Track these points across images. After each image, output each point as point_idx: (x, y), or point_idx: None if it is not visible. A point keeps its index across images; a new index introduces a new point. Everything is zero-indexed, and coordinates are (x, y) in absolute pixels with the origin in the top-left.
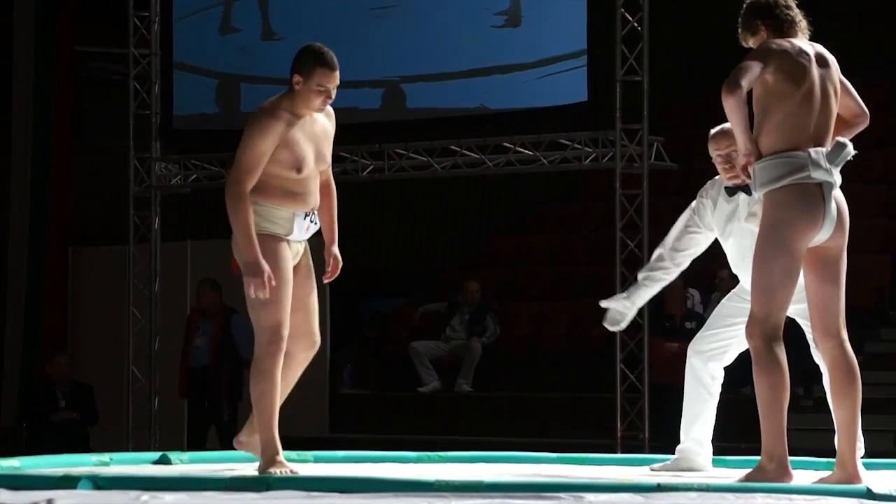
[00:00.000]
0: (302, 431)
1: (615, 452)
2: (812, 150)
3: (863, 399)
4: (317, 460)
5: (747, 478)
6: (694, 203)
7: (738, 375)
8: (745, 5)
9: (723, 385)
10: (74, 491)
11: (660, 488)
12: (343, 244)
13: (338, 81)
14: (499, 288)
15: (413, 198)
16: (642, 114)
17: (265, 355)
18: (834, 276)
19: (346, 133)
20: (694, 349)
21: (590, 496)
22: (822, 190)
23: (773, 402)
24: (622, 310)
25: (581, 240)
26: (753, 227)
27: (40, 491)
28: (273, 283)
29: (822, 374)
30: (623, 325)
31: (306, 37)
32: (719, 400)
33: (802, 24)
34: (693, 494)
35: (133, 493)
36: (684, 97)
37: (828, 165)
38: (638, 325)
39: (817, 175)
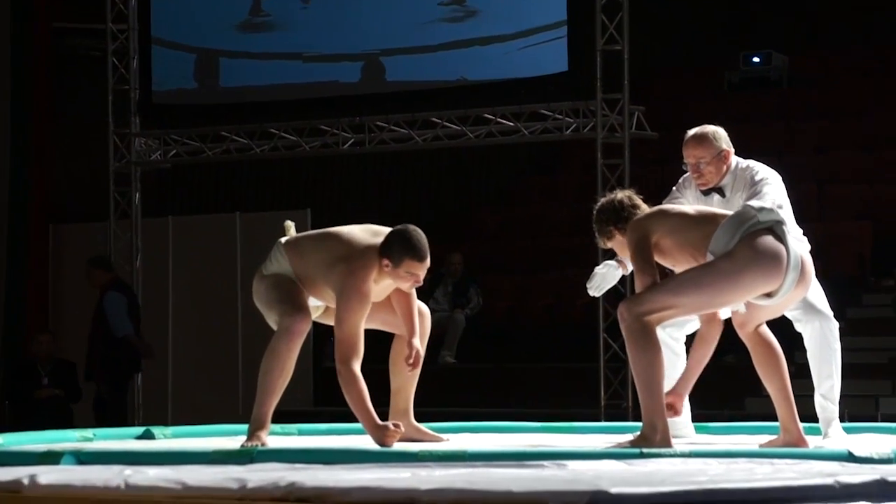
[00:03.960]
0: (286, 405)
1: (599, 421)
2: None
3: (843, 365)
4: (301, 433)
5: (633, 444)
6: (676, 186)
7: (718, 343)
8: (594, 213)
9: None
10: (57, 466)
11: (643, 455)
12: (324, 217)
13: (427, 265)
14: (481, 260)
15: (394, 170)
16: (623, 83)
17: (282, 338)
18: (777, 310)
19: (326, 107)
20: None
21: (573, 464)
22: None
23: (653, 379)
24: (613, 274)
25: (563, 211)
26: None
27: (23, 467)
28: (400, 429)
29: (802, 341)
30: (604, 290)
31: (286, 11)
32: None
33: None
34: (676, 460)
35: (116, 468)
36: (665, 66)
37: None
38: (620, 294)
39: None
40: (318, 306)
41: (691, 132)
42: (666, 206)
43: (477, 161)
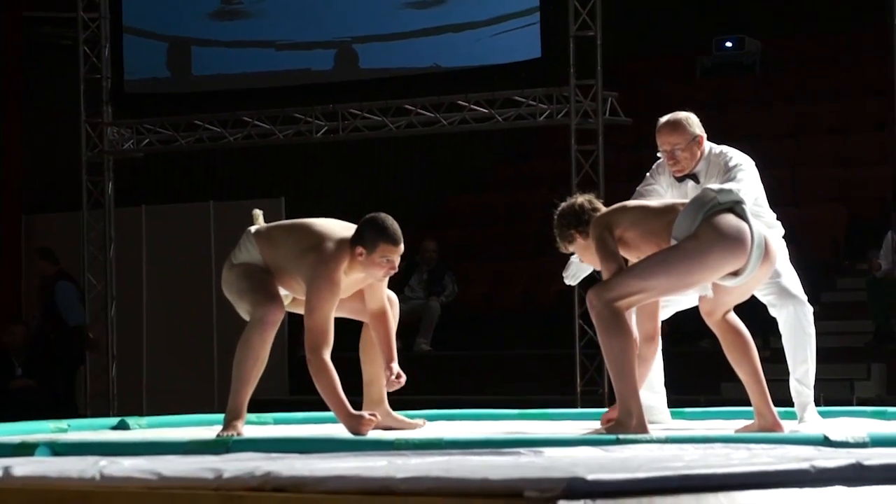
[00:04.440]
0: (261, 394)
1: (575, 408)
2: None
3: (817, 349)
4: (276, 422)
5: (608, 430)
6: (649, 172)
7: (693, 328)
8: (555, 217)
9: (680, 339)
10: (32, 458)
11: (619, 441)
12: (298, 205)
13: (402, 251)
14: (456, 247)
15: (368, 158)
16: (596, 69)
17: (255, 328)
18: (743, 292)
19: (299, 94)
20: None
21: (549, 451)
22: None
23: (625, 364)
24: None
25: (537, 197)
26: None
27: None
28: (375, 417)
29: (777, 326)
30: (579, 279)
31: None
32: (677, 355)
33: None
34: (653, 446)
35: (91, 459)
36: (638, 52)
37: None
38: (595, 281)
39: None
40: (286, 296)
41: (664, 119)
42: (626, 201)
43: (451, 148)
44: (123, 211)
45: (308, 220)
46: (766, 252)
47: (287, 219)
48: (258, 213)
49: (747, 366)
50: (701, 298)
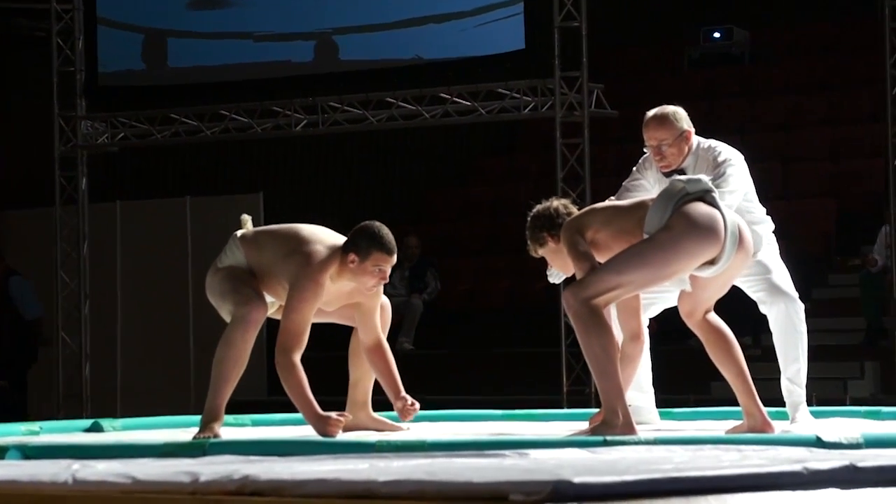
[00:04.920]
0: (239, 394)
1: (561, 408)
2: None
3: (809, 347)
4: (254, 424)
5: (594, 431)
6: (636, 167)
7: (682, 326)
8: (529, 220)
9: (668, 337)
10: (2, 462)
11: (606, 443)
12: (278, 199)
13: (394, 262)
14: (439, 243)
15: (349, 152)
16: (581, 61)
17: (237, 327)
18: (721, 285)
19: (278, 87)
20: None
21: (535, 452)
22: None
23: (608, 362)
24: None
25: (522, 192)
26: None
27: None
28: (345, 417)
29: (768, 323)
30: (563, 278)
31: None
32: (665, 353)
33: None
34: (641, 448)
35: (64, 462)
36: (624, 43)
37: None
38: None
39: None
40: (271, 302)
41: (651, 113)
42: (596, 204)
43: (433, 141)
44: (98, 207)
45: (297, 226)
46: (740, 239)
47: (265, 213)
48: (247, 218)
49: (732, 366)
50: (680, 300)
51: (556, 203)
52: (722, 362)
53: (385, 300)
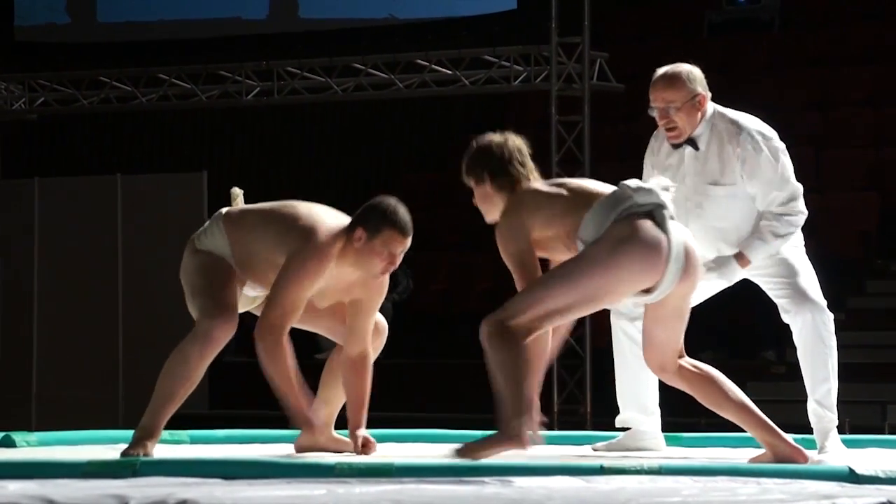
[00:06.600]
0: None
1: (551, 429)
2: None
3: (843, 365)
4: (193, 441)
5: (464, 449)
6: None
7: (690, 342)
8: (475, 148)
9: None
10: None
11: (603, 471)
12: (224, 180)
13: (408, 246)
14: (413, 234)
15: (308, 127)
16: (582, 25)
17: (196, 341)
18: (676, 317)
19: (226, 48)
20: (617, 313)
21: (520, 480)
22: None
23: (516, 369)
24: None
25: None
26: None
27: None
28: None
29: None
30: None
31: None
32: None
33: (534, 173)
34: (643, 477)
35: None
36: (632, 5)
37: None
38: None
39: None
40: (254, 297)
41: (661, 71)
42: (543, 186)
43: (408, 115)
44: (12, 183)
45: (291, 202)
46: (686, 265)
47: (209, 195)
48: (237, 192)
49: (731, 407)
50: (646, 355)
51: (513, 143)
52: (719, 406)
53: (382, 321)
